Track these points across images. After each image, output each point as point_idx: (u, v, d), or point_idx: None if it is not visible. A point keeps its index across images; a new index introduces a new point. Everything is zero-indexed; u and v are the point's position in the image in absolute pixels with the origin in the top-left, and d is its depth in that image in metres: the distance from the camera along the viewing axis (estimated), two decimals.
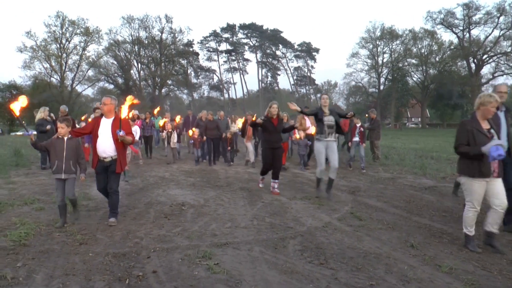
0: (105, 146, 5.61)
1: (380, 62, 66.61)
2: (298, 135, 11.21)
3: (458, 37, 57.99)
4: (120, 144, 5.67)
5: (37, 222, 5.49)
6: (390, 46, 65.62)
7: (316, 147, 7.57)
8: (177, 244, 4.73)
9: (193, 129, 12.82)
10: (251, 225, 5.61)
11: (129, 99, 5.83)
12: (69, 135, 5.55)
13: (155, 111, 19.04)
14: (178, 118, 15.48)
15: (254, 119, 8.02)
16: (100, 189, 5.88)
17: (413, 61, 64.95)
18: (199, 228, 5.45)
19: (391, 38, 64.70)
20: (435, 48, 63.13)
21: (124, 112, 5.67)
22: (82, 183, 7.47)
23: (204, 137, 12.69)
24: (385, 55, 66.54)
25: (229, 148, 13.07)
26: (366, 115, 14.85)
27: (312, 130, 11.68)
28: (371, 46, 66.45)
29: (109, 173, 5.70)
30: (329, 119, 7.50)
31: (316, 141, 7.57)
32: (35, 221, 5.57)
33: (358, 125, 11.92)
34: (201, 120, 13.53)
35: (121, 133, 5.46)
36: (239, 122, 16.60)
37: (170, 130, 13.07)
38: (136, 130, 11.52)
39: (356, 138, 11.84)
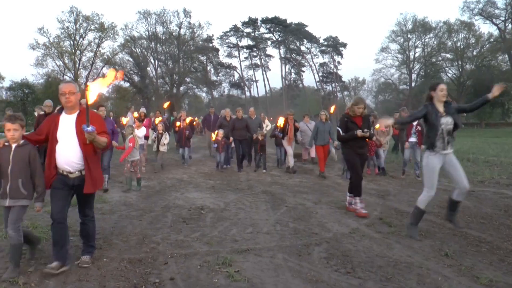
0: (69, 155, 4.06)
1: (411, 57, 65.63)
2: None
3: (499, 28, 56.49)
4: (91, 149, 4.13)
5: (50, 226, 5.57)
6: (423, 40, 64.59)
7: (427, 163, 5.37)
8: (195, 250, 4.76)
9: (218, 131, 12.28)
10: (274, 231, 5.61)
11: (110, 76, 4.10)
12: (21, 141, 4.04)
13: (165, 105, 17.69)
14: (188, 120, 14.30)
15: (359, 134, 6.74)
16: (55, 213, 4.12)
17: (448, 55, 63.71)
18: (219, 233, 5.47)
19: (424, 31, 63.65)
20: (473, 41, 61.74)
21: (92, 97, 3.94)
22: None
23: (231, 139, 12.14)
24: (417, 50, 65.52)
25: (260, 152, 12.12)
26: (397, 113, 14.65)
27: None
28: (402, 40, 65.52)
29: (78, 195, 4.27)
30: (447, 122, 5.29)
31: (429, 153, 5.37)
32: (47, 224, 5.62)
33: (414, 123, 10.30)
34: (225, 120, 12.87)
35: (90, 128, 3.79)
36: (267, 122, 16.63)
37: (160, 131, 12.23)
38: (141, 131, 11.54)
39: (413, 139, 10.51)
